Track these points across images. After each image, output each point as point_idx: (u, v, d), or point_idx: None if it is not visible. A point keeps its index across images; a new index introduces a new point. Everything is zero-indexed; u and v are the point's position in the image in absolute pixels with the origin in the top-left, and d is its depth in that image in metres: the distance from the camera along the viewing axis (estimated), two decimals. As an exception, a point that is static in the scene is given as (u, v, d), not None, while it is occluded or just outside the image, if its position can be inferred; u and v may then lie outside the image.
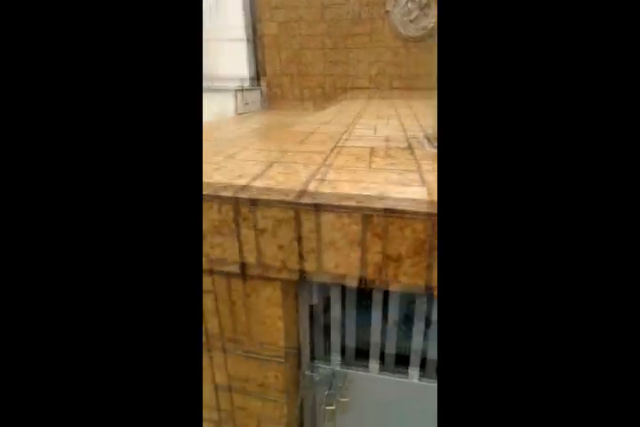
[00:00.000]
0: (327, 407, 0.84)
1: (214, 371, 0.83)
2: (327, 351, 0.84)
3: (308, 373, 0.85)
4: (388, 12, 2.47)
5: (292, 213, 0.62)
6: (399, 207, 0.59)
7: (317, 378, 0.84)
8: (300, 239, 0.63)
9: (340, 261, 0.63)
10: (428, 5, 2.40)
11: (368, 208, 0.60)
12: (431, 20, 2.46)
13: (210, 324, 0.78)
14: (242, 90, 2.65)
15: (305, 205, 0.61)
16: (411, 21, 2.47)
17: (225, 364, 0.82)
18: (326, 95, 2.83)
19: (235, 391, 0.84)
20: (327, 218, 0.61)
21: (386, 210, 0.59)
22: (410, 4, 2.45)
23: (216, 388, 0.86)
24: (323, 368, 0.84)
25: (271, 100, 3.02)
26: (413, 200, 0.61)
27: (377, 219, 0.60)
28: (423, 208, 0.59)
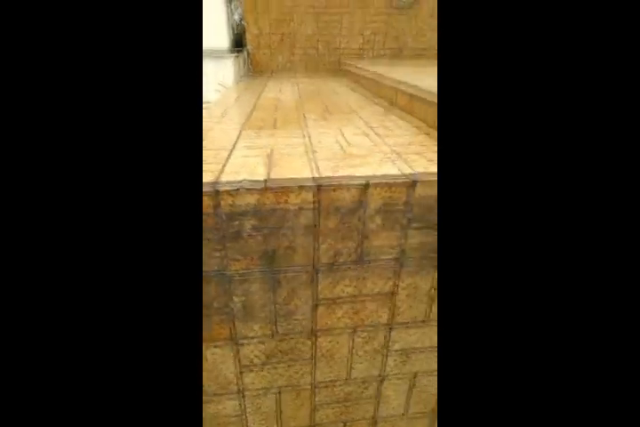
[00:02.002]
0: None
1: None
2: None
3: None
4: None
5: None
6: None
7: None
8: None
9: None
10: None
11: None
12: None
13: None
14: (239, 54, 2.47)
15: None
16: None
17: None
18: (317, 61, 2.83)
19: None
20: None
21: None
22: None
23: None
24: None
25: (256, 65, 2.87)
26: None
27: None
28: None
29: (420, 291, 0.98)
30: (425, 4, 2.81)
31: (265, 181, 0.76)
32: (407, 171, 0.82)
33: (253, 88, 2.22)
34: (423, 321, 1.05)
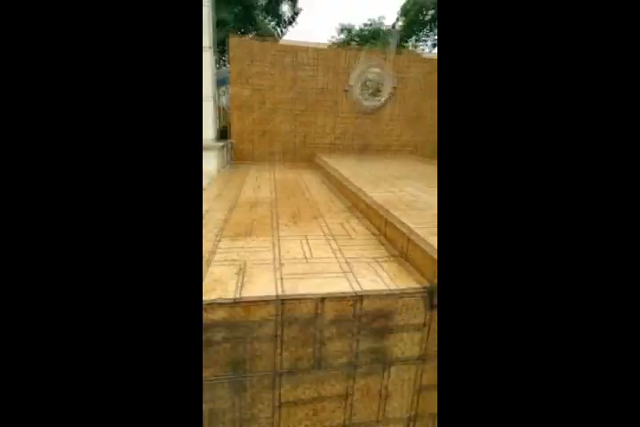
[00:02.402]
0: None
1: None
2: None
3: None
4: (346, 90, 3.17)
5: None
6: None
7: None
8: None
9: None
10: (378, 89, 3.23)
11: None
12: (380, 100, 3.28)
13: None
14: (223, 147, 2.83)
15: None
16: (364, 99, 3.24)
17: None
18: (294, 153, 3.27)
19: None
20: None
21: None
22: (364, 89, 3.24)
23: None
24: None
25: (239, 155, 3.25)
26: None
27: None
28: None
29: (372, 391, 1.08)
30: (385, 111, 3.43)
31: (237, 299, 0.91)
32: (356, 287, 1.00)
33: (234, 181, 2.50)
34: (377, 421, 1.12)
